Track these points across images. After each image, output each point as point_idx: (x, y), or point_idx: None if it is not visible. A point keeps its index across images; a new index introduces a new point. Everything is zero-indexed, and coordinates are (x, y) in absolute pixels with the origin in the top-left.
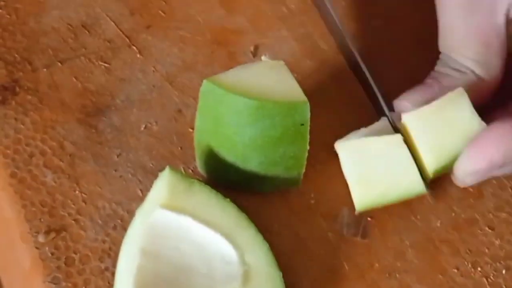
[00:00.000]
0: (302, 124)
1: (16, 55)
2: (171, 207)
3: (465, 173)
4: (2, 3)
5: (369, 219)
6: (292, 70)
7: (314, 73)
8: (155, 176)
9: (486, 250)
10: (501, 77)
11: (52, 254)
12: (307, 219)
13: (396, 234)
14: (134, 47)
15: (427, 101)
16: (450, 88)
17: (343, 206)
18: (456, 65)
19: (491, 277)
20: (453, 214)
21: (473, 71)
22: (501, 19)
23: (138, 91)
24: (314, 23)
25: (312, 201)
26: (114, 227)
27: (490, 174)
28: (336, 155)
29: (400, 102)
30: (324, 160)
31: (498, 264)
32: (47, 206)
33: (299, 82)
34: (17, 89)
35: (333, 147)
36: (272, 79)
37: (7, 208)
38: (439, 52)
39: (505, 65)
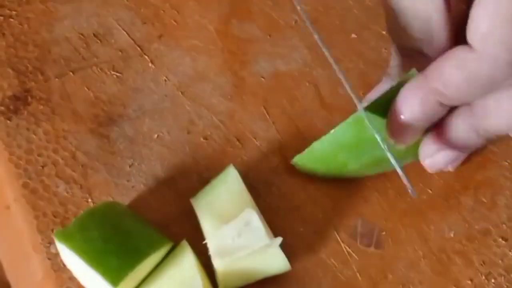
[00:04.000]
0: None
1: (28, 65)
2: None
3: (395, 132)
4: (14, 12)
5: (383, 233)
6: (304, 79)
7: (327, 82)
8: (167, 186)
9: (500, 262)
10: (450, 45)
11: (65, 265)
12: (320, 230)
13: (409, 245)
14: (146, 57)
15: None
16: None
17: (358, 217)
18: (405, 51)
19: None
20: (467, 225)
21: (420, 51)
22: None
23: (150, 100)
24: (326, 31)
25: (326, 212)
26: None
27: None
28: None
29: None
30: None
31: (511, 275)
32: (60, 216)
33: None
34: (29, 99)
35: None
36: None
37: (19, 218)
38: None
39: (454, 30)
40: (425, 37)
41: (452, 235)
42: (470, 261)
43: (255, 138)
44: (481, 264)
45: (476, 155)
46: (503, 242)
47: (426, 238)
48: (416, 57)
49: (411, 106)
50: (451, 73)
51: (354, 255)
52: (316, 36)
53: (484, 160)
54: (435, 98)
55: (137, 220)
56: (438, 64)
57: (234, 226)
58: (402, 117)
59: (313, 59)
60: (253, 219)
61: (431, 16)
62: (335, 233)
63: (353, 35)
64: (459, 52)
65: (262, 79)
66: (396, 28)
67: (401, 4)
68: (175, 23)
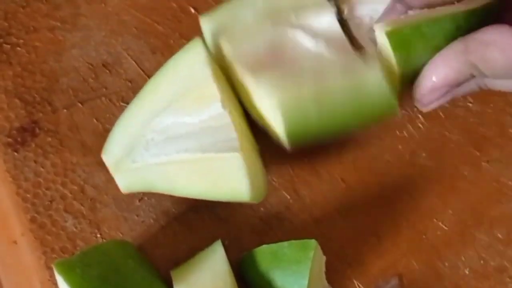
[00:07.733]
0: None
1: (36, 95)
2: None
3: (424, 91)
4: (21, 41)
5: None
6: None
7: None
8: (178, 221)
9: None
10: None
11: None
12: (332, 266)
13: (424, 282)
14: None
15: None
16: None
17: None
18: None
19: None
20: (482, 261)
21: None
22: None
23: None
24: None
25: (339, 248)
26: None
27: (450, 94)
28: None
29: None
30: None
31: None
32: (68, 252)
33: None
34: (37, 130)
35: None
36: None
37: (27, 254)
38: None
39: None
40: None
41: (467, 271)
42: None
43: (267, 172)
44: None
45: (491, 190)
46: None
47: (441, 275)
48: None
49: (446, 71)
50: (493, 56)
51: None
52: None
53: (499, 195)
54: (470, 70)
55: (142, 265)
56: (481, 40)
57: None
58: (434, 79)
59: None
60: None
61: None
62: (348, 269)
63: None
64: (503, 35)
65: None
66: None
67: None
68: None
